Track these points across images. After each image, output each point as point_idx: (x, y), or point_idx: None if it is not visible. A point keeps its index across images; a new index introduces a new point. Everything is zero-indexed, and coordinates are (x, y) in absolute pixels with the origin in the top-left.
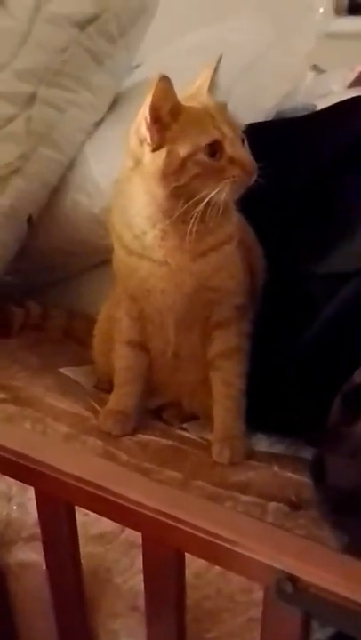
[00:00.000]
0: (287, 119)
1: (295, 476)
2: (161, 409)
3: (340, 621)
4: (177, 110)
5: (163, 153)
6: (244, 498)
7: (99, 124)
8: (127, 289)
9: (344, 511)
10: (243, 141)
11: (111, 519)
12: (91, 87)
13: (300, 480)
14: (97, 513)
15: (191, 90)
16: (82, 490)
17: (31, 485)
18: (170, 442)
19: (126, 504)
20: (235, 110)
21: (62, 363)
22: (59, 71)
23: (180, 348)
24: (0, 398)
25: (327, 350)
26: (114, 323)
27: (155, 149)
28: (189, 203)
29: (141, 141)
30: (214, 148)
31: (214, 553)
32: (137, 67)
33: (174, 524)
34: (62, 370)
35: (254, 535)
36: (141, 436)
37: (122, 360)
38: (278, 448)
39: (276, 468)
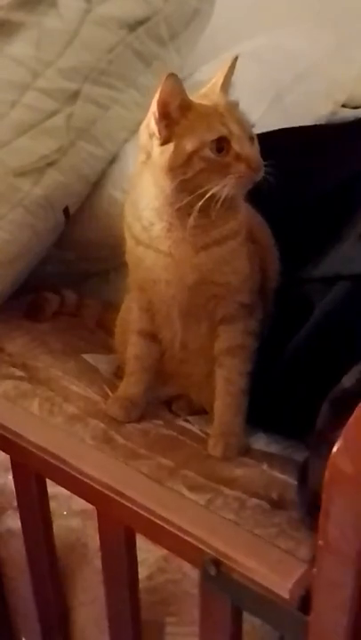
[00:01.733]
0: (319, 125)
1: (282, 476)
2: (171, 400)
3: (259, 611)
4: (186, 106)
5: (170, 147)
6: (227, 491)
7: None
8: (136, 279)
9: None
10: (252, 140)
11: (71, 491)
12: (137, 86)
13: (287, 480)
14: (58, 484)
15: (205, 88)
16: (45, 461)
17: (7, 454)
18: (170, 432)
19: (82, 477)
20: (286, 116)
21: (88, 350)
22: (104, 70)
23: (187, 341)
24: (18, 376)
25: (316, 354)
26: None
27: (163, 143)
28: (193, 195)
29: (151, 135)
30: (221, 144)
31: (154, 532)
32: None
33: (121, 500)
34: (84, 356)
35: (189, 517)
36: (145, 424)
37: (132, 349)
38: (275, 448)
39: (265, 467)
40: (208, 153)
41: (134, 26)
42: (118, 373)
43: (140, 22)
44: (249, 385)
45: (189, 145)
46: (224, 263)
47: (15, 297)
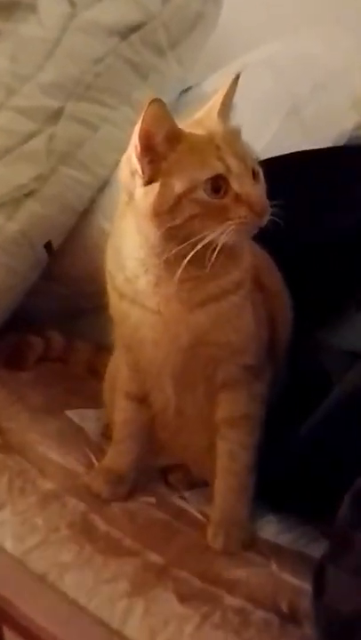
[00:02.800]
0: (339, 147)
1: (294, 580)
2: (168, 470)
3: None
4: (174, 138)
5: (155, 187)
6: (228, 599)
7: None
8: (122, 336)
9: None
10: (256, 176)
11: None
12: (131, 102)
13: (299, 586)
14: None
15: (200, 112)
16: None
17: None
18: (163, 515)
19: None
20: (305, 130)
21: (75, 403)
22: (91, 84)
23: (182, 406)
24: None
25: (336, 434)
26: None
27: (147, 183)
28: (184, 245)
29: (133, 173)
30: (218, 184)
31: None
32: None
33: None
34: (68, 413)
35: None
36: (133, 504)
37: (121, 413)
38: (285, 539)
39: (274, 567)
40: (201, 195)
41: (126, 33)
42: (107, 433)
43: (134, 29)
44: (255, 460)
45: (178, 185)
46: (224, 322)
47: None
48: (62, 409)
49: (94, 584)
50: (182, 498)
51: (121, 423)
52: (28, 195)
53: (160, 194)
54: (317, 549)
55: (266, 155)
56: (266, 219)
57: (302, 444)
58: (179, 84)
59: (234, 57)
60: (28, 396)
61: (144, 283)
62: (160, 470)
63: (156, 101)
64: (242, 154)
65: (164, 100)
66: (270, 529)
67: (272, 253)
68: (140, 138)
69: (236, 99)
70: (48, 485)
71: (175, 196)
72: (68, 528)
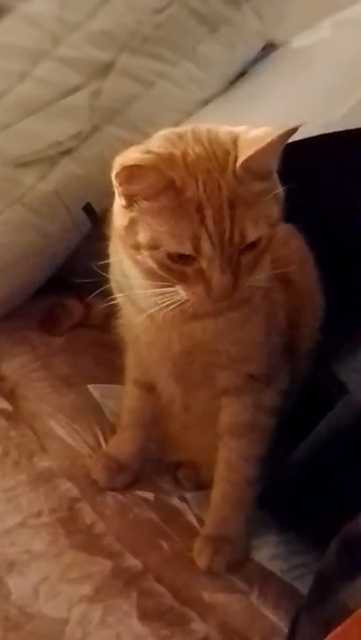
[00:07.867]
0: None
1: (272, 617)
2: (178, 465)
3: None
4: (157, 191)
5: (126, 216)
6: (195, 625)
7: (209, 101)
8: (123, 324)
9: None
10: (240, 261)
11: None
12: (195, 58)
13: (276, 624)
14: None
15: (241, 139)
16: None
17: None
18: (155, 515)
19: None
20: None
21: (101, 378)
22: (149, 37)
23: (188, 403)
24: None
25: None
26: None
27: (124, 206)
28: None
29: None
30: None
31: None
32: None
33: None
34: (90, 387)
35: None
36: (129, 497)
37: (128, 399)
38: (278, 566)
39: (255, 597)
40: (162, 258)
41: None
42: None
43: None
44: (258, 473)
45: (142, 236)
46: (222, 334)
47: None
48: (86, 381)
49: (57, 581)
50: (183, 499)
51: (127, 410)
52: (65, 153)
53: (128, 227)
54: (306, 586)
55: (347, 123)
56: (219, 308)
57: (299, 459)
58: (258, 40)
59: (332, 12)
60: (54, 363)
61: (135, 282)
62: (171, 464)
63: (126, 169)
64: (230, 229)
65: (240, 54)
66: (266, 551)
67: (314, 249)
68: (116, 177)
69: (328, 58)
70: (45, 463)
71: (138, 242)
72: (50, 514)
